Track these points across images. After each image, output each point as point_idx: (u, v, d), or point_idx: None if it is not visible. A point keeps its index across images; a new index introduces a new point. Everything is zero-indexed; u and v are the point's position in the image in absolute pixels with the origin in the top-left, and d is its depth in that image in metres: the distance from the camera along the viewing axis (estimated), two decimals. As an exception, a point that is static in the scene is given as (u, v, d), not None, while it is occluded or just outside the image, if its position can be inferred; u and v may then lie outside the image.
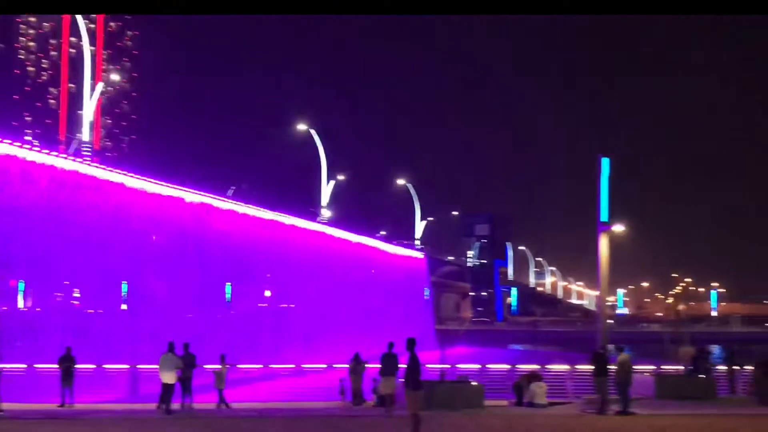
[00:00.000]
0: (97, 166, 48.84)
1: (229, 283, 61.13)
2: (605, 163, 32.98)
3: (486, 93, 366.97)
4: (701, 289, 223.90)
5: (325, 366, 32.81)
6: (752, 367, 29.85)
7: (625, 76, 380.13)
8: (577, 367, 30.94)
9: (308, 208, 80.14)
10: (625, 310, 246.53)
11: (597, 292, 36.64)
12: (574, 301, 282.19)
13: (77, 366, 27.19)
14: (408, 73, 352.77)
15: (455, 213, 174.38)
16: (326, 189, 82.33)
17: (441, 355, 24.69)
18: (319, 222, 79.48)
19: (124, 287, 50.88)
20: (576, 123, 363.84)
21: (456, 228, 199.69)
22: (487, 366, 33.90)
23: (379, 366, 23.60)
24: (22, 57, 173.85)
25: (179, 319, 50.10)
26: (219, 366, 26.95)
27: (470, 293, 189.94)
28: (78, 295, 47.11)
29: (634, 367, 26.81)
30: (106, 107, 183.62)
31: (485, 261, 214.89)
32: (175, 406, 24.92)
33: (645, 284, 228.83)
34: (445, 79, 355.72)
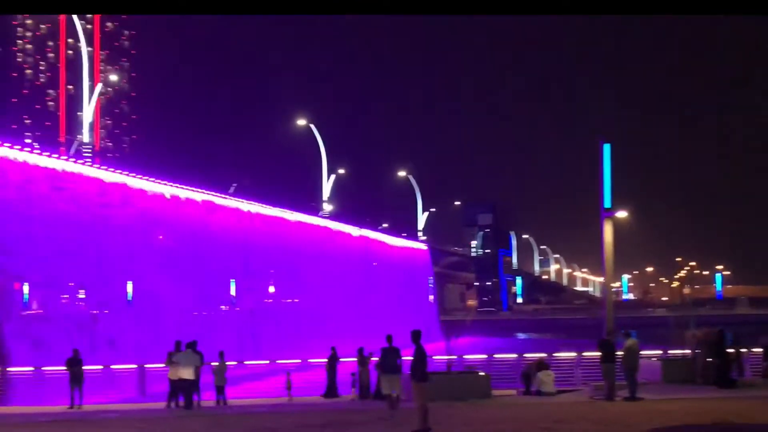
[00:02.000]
0: (98, 167, 48.80)
1: (233, 280, 61.12)
2: (607, 148, 32.87)
3: (486, 82, 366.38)
4: (706, 272, 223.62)
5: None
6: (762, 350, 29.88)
7: (624, 61, 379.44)
8: (584, 354, 30.88)
9: (310, 202, 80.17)
10: (631, 296, 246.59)
11: (602, 279, 36.61)
12: (579, 288, 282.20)
13: (85, 367, 27.21)
14: (405, 64, 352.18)
15: (457, 203, 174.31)
16: (327, 183, 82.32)
17: (447, 346, 24.66)
18: (320, 216, 79.48)
19: (130, 287, 50.85)
20: (577, 109, 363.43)
21: (459, 218, 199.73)
22: (493, 356, 33.87)
23: (379, 361, 22.35)
24: (20, 60, 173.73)
25: (185, 318, 50.14)
26: (217, 363, 26.90)
27: (475, 283, 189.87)
28: (83, 296, 47.14)
29: (641, 352, 26.77)
30: (105, 108, 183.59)
31: (489, 250, 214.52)
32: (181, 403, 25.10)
33: (649, 269, 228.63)
34: (442, 69, 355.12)
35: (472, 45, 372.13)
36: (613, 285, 39.83)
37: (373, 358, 26.39)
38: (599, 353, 25.47)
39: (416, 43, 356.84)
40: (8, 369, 31.37)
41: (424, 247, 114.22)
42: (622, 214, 34.30)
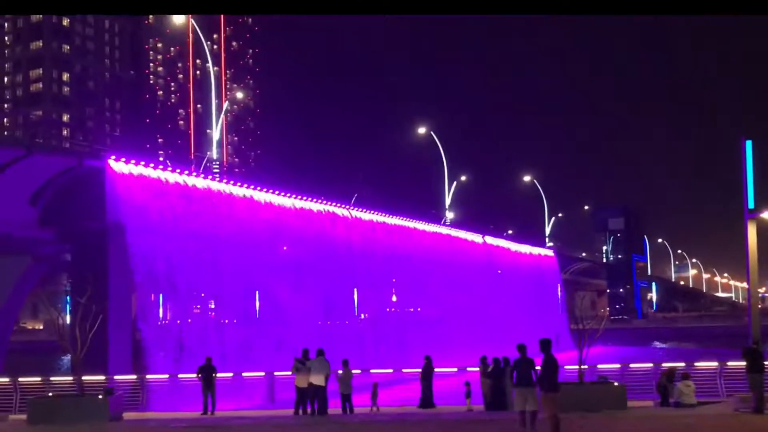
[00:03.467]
0: (226, 182, 50.42)
1: (356, 289, 61.57)
2: (749, 145, 30.80)
3: (614, 81, 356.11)
4: None
5: (455, 369, 32.16)
6: None
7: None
8: (727, 363, 28.91)
9: (431, 210, 79.93)
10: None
11: (745, 284, 34.32)
12: (720, 294, 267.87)
13: (217, 375, 27.86)
14: (528, 66, 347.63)
15: (586, 208, 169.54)
16: (449, 190, 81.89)
17: (578, 356, 23.68)
18: (443, 224, 79.04)
19: (257, 297, 52.11)
20: (709, 107, 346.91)
21: (588, 223, 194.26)
22: (628, 365, 32.28)
23: (511, 373, 20.99)
24: (152, 82, 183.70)
25: (310, 327, 50.86)
26: (341, 371, 26.83)
27: (607, 290, 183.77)
28: (214, 306, 48.64)
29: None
30: (232, 125, 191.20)
31: (621, 256, 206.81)
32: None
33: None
34: (570, 69, 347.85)
35: (602, 44, 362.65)
36: (758, 290, 37.23)
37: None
38: (745, 363, 23.74)
39: (542, 44, 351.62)
40: (147, 376, 32.64)
41: (551, 253, 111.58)
42: (767, 214, 32.08)
